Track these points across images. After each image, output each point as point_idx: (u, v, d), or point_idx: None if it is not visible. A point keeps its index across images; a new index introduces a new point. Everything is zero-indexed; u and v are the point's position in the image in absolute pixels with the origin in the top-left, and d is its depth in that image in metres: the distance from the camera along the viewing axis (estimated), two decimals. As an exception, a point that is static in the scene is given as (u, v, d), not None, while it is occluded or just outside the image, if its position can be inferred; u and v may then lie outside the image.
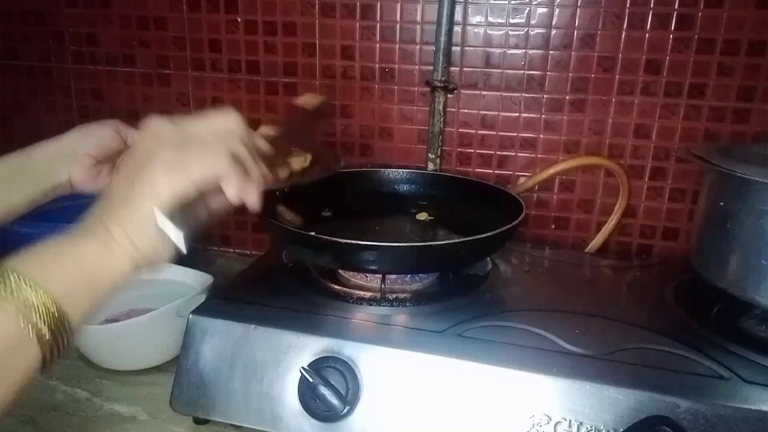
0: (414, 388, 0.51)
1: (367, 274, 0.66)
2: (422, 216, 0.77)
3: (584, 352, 0.53)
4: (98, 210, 0.38)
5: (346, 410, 0.50)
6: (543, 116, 0.83)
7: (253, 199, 0.40)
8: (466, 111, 0.86)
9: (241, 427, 0.55)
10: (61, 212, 0.57)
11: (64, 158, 0.54)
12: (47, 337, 0.32)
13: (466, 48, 0.83)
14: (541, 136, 0.84)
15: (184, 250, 0.38)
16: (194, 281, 0.74)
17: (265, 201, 0.59)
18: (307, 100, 0.62)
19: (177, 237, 0.37)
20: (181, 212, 0.37)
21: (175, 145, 0.38)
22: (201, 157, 0.38)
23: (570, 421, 0.48)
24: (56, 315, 0.33)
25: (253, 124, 0.98)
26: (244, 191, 0.40)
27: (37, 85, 1.00)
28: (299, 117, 0.60)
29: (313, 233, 0.58)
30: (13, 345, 0.31)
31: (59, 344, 0.33)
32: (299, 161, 0.58)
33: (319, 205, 0.77)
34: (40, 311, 0.32)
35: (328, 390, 0.50)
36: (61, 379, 0.65)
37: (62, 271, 0.34)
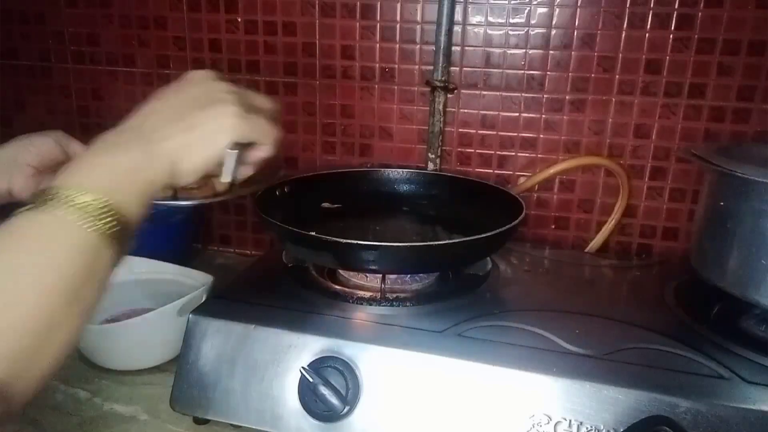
0: (414, 388, 0.51)
1: (367, 274, 0.66)
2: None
3: (584, 352, 0.53)
4: (139, 123, 0.44)
5: (346, 410, 0.50)
6: (543, 116, 0.83)
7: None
8: (466, 111, 0.86)
9: (241, 427, 0.55)
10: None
11: (4, 168, 0.55)
12: (114, 238, 0.37)
13: (466, 48, 0.83)
14: (541, 136, 0.84)
15: (229, 179, 0.48)
16: (194, 281, 0.74)
17: (264, 200, 0.60)
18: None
19: (229, 173, 0.47)
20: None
21: (242, 102, 0.46)
22: (263, 124, 0.47)
23: (570, 421, 0.48)
24: (115, 217, 0.37)
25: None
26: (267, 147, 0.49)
27: (37, 85, 1.00)
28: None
29: (313, 233, 0.58)
30: (91, 254, 0.36)
31: (125, 242, 0.38)
32: None
33: (318, 202, 0.77)
34: (102, 216, 0.37)
35: (328, 390, 0.50)
36: (61, 379, 0.65)
37: (113, 180, 0.39)
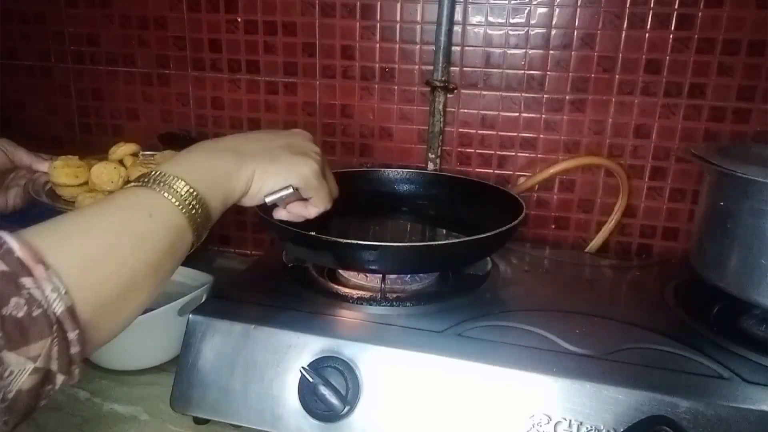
0: (414, 388, 0.51)
1: (367, 274, 0.66)
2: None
3: (584, 352, 0.53)
4: (236, 141, 0.51)
5: (346, 410, 0.50)
6: (543, 116, 0.83)
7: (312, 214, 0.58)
8: (466, 111, 0.86)
9: (241, 427, 0.55)
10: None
11: None
12: (197, 227, 0.43)
13: (466, 48, 0.83)
14: (541, 136, 0.84)
15: (266, 202, 0.52)
16: (194, 281, 0.74)
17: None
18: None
19: (273, 198, 0.52)
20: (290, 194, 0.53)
21: (323, 168, 0.55)
22: (326, 191, 0.56)
23: (570, 421, 0.48)
24: (202, 209, 0.43)
25: (253, 124, 0.98)
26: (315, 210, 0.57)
27: (37, 85, 1.00)
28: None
29: (313, 233, 0.58)
30: (178, 234, 0.42)
31: (202, 232, 0.44)
32: None
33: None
34: (194, 205, 0.42)
35: (328, 390, 0.50)
36: (61, 379, 0.65)
37: (206, 179, 0.45)
